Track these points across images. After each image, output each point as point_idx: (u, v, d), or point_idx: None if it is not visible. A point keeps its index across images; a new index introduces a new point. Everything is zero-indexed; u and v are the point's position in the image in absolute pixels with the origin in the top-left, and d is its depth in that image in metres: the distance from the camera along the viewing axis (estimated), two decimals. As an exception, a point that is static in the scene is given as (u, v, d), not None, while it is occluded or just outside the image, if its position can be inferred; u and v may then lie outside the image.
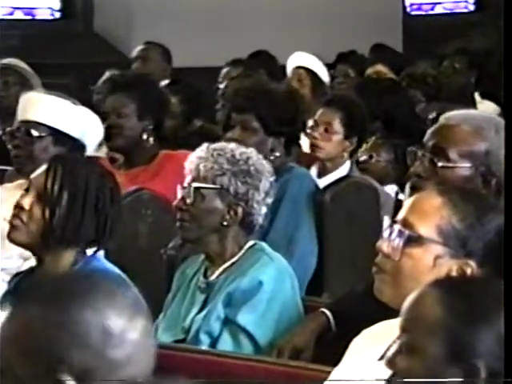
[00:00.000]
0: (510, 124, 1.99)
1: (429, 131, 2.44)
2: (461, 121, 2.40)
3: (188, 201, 2.57)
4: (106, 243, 2.46)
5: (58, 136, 3.19)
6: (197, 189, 2.56)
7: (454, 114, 2.46)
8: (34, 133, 3.20)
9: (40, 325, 1.24)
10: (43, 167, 2.44)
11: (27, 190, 2.42)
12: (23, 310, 1.27)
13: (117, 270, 2.43)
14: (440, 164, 2.33)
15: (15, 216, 2.39)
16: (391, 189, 3.76)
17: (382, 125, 4.15)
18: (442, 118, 2.46)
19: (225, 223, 2.57)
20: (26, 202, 2.38)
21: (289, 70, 5.49)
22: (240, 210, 2.56)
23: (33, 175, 2.46)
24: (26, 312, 1.26)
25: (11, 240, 2.42)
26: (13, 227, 2.39)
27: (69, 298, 1.26)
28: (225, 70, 5.41)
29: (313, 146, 3.70)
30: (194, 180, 2.58)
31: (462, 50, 6.01)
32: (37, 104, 3.24)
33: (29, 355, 1.24)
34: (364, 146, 3.88)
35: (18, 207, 2.39)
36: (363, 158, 3.91)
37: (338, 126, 3.68)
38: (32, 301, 1.27)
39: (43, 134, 3.19)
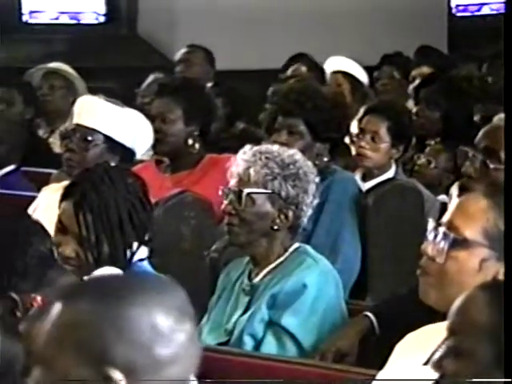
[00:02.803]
0: (511, 124, 1.96)
1: (481, 132, 2.42)
2: None
3: (238, 205, 2.56)
4: (147, 244, 2.49)
5: (112, 144, 3.23)
6: (247, 193, 2.55)
7: None
8: (90, 139, 3.23)
9: (88, 319, 1.25)
10: (70, 204, 2.44)
11: (62, 231, 2.43)
12: (72, 304, 1.28)
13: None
14: (492, 166, 2.31)
15: (65, 262, 2.42)
16: (443, 199, 3.64)
17: (443, 126, 4.10)
18: (496, 119, 2.44)
19: (275, 227, 2.56)
20: (69, 251, 2.42)
21: (326, 74, 5.45)
22: (291, 214, 2.55)
23: (62, 212, 2.45)
24: (74, 307, 1.27)
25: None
26: (68, 269, 2.42)
27: (118, 294, 1.27)
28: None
29: (359, 154, 3.60)
30: (243, 184, 2.56)
31: None
32: (95, 110, 3.27)
33: (76, 349, 1.25)
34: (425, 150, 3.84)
35: (64, 256, 2.42)
36: (421, 161, 3.85)
37: (385, 134, 3.57)
38: (81, 296, 1.28)
39: (98, 142, 3.22)
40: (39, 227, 2.11)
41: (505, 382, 1.42)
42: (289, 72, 5.38)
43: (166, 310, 1.27)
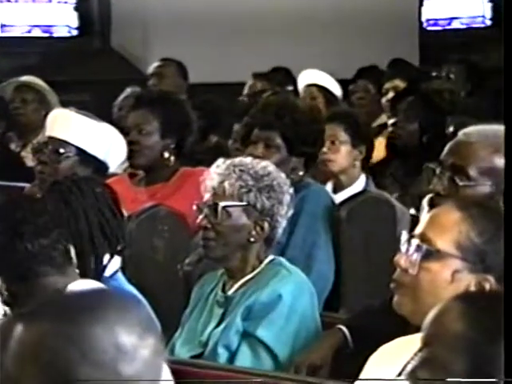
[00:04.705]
0: (510, 128, 1.98)
1: (447, 148, 2.42)
2: (480, 137, 2.38)
3: (213, 219, 2.56)
4: (119, 253, 2.49)
5: (84, 157, 3.23)
6: (223, 207, 2.55)
7: (472, 130, 2.43)
8: (62, 151, 3.22)
9: (50, 340, 1.24)
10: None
11: None
12: (34, 324, 1.27)
13: (133, 290, 2.44)
14: (461, 183, 2.31)
15: None
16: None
17: (419, 138, 4.15)
18: (461, 135, 2.44)
19: (251, 239, 2.57)
20: None
21: (300, 87, 5.47)
22: (266, 226, 2.56)
23: None
24: (37, 327, 1.26)
25: None
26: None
27: (80, 313, 1.26)
28: (251, 83, 5.42)
29: (323, 161, 3.69)
30: (218, 198, 2.56)
31: (458, 61, 5.98)
32: (67, 123, 3.26)
33: (39, 370, 1.24)
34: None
35: None
36: None
37: (343, 136, 3.73)
38: (43, 316, 1.27)
39: (70, 154, 3.22)
40: (38, 222, 2.12)
41: (505, 381, 1.43)
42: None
43: (129, 326, 1.26)
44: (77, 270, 2.29)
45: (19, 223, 2.12)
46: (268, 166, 2.61)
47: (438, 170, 2.38)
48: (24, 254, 2.10)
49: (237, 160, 2.63)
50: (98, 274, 2.42)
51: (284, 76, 5.80)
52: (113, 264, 2.50)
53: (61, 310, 1.27)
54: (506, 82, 2.07)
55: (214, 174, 2.59)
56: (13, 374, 1.25)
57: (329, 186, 3.74)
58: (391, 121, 4.38)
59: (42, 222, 2.15)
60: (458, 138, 2.43)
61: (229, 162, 2.61)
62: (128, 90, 4.94)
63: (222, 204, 2.55)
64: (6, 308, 2.21)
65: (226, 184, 2.56)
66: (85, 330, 1.24)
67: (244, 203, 2.55)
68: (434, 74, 5.83)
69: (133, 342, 1.25)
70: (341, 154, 3.72)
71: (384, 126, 4.85)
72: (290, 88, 5.54)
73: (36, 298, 2.05)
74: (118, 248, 2.49)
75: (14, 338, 1.26)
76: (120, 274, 2.52)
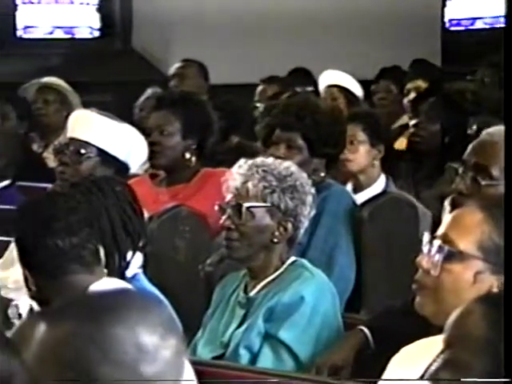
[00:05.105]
0: (511, 128, 1.97)
1: (469, 148, 2.42)
2: (502, 137, 2.37)
3: (237, 220, 2.56)
4: (141, 249, 2.50)
5: (106, 157, 3.23)
6: (247, 207, 2.55)
7: (495, 130, 2.43)
8: (83, 152, 3.23)
9: (72, 340, 1.25)
10: None
11: None
12: (57, 324, 1.27)
13: (155, 291, 2.45)
14: (484, 182, 2.31)
15: None
16: None
17: (441, 138, 4.12)
18: (484, 134, 2.44)
19: (275, 240, 2.56)
20: None
21: (321, 88, 5.46)
22: (290, 226, 2.56)
23: None
24: (60, 327, 1.27)
25: None
26: None
27: (102, 313, 1.27)
28: (260, 88, 5.42)
29: (342, 161, 3.67)
30: (241, 198, 2.56)
31: (493, 64, 5.94)
32: (88, 124, 3.27)
33: (60, 370, 1.24)
34: None
35: None
36: None
37: (361, 135, 3.73)
38: (66, 316, 1.28)
39: (91, 155, 3.23)
40: (70, 220, 2.15)
41: (505, 381, 1.42)
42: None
43: (150, 327, 1.26)
44: (105, 270, 2.30)
45: (51, 219, 2.14)
46: (290, 166, 2.61)
47: (460, 170, 2.38)
48: (54, 250, 2.12)
49: (259, 160, 2.63)
50: (122, 272, 2.43)
51: (304, 77, 5.78)
52: (135, 263, 2.50)
53: (83, 310, 1.28)
54: (506, 82, 2.06)
55: (236, 174, 2.59)
56: (33, 373, 1.25)
57: (349, 187, 3.73)
58: (413, 122, 4.37)
59: (73, 219, 2.17)
60: (482, 137, 2.43)
61: (251, 162, 2.61)
62: (149, 91, 4.95)
63: (245, 205, 2.55)
64: (34, 303, 2.23)
65: (250, 185, 2.55)
66: (106, 330, 1.24)
67: (268, 204, 2.55)
68: (468, 77, 5.79)
69: (154, 343, 1.25)
70: (359, 153, 3.71)
71: (405, 126, 4.83)
72: (310, 89, 5.53)
73: (63, 295, 2.08)
74: (140, 244, 2.50)
75: (35, 339, 1.27)
76: (142, 275, 2.52)
